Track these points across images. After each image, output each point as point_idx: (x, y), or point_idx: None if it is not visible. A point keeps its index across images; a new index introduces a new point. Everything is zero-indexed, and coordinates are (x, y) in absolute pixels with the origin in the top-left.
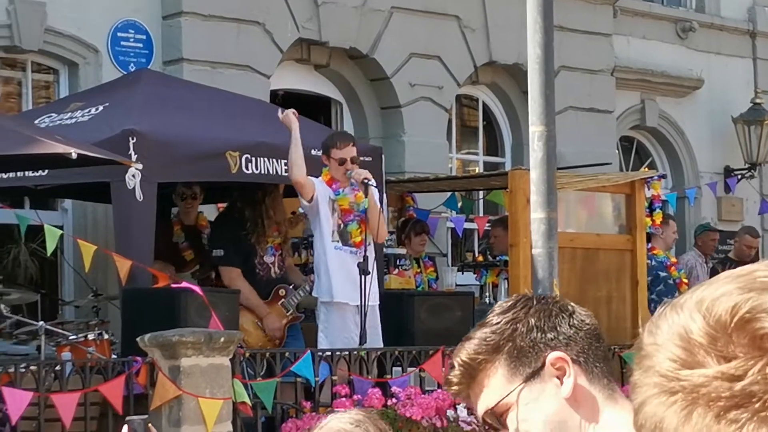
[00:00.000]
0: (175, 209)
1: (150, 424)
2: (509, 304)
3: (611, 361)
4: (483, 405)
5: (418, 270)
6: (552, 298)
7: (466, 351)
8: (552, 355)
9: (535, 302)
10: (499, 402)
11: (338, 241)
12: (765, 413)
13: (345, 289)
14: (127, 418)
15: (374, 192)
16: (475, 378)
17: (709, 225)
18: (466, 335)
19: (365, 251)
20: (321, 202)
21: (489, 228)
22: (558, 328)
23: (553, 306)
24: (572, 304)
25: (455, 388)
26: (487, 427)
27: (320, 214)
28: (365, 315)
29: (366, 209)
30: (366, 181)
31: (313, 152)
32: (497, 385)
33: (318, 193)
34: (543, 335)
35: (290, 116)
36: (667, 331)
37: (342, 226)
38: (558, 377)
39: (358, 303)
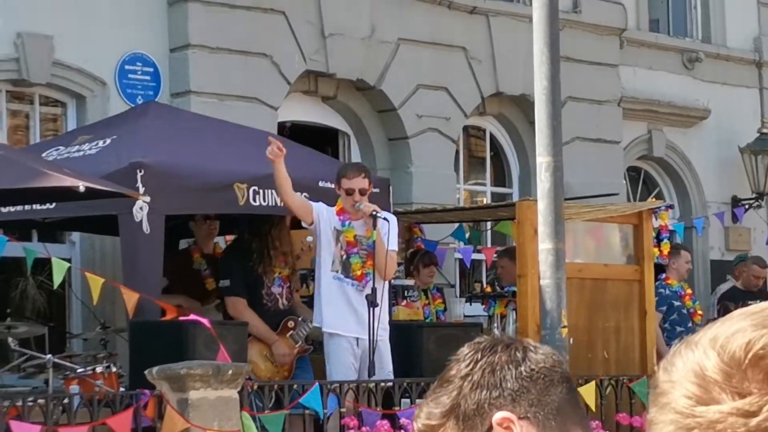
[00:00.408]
0: (190, 240)
1: None
2: (461, 355)
3: (577, 404)
4: None
5: (427, 302)
6: (504, 344)
7: (421, 418)
8: (497, 416)
9: (482, 354)
10: None
11: (338, 271)
12: None
13: (339, 320)
14: None
15: (381, 225)
16: None
17: (746, 256)
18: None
19: (374, 283)
20: (323, 229)
21: (496, 259)
22: (503, 384)
23: (501, 355)
24: (528, 345)
25: None
26: None
27: (321, 240)
28: (374, 349)
29: (370, 244)
30: (374, 213)
31: (321, 184)
32: None
33: (321, 218)
34: (488, 394)
35: (274, 150)
36: (682, 368)
37: (345, 257)
38: None
39: (357, 335)
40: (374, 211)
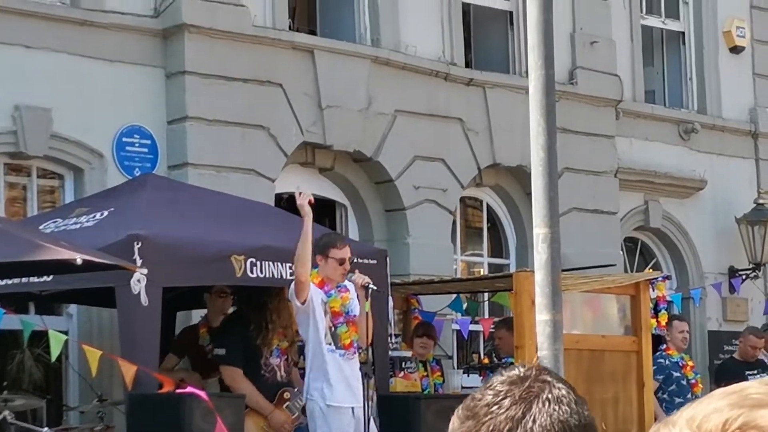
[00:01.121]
0: (202, 312)
1: None
2: (497, 390)
3: None
4: None
5: (425, 374)
6: (520, 394)
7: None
8: None
9: (511, 397)
10: None
11: (330, 344)
12: None
13: (340, 392)
14: None
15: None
16: None
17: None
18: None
19: (368, 353)
20: (316, 304)
21: (493, 330)
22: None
23: (510, 412)
24: (539, 396)
25: None
26: None
27: (316, 316)
28: (368, 419)
29: (350, 310)
30: (367, 285)
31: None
32: None
33: (313, 295)
34: None
35: (305, 206)
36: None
37: (333, 329)
38: None
39: (353, 405)
40: (366, 282)
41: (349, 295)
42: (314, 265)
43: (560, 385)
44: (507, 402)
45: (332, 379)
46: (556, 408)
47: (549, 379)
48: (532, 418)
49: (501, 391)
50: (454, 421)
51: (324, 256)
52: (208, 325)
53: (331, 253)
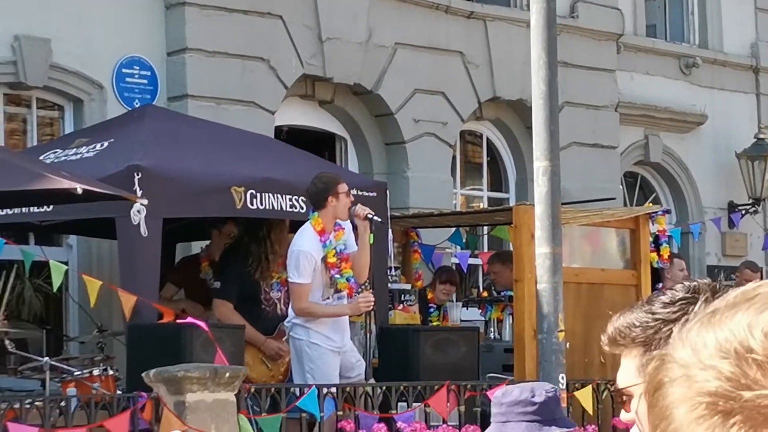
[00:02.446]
0: (200, 243)
1: None
2: (676, 298)
3: None
4: (618, 378)
5: (438, 320)
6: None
7: (614, 326)
8: None
9: (694, 305)
10: (624, 387)
11: (329, 298)
12: None
13: (327, 331)
14: None
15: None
16: (618, 348)
17: None
18: (636, 305)
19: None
20: (315, 274)
21: (488, 264)
22: None
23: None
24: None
25: (605, 348)
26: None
27: (312, 287)
28: (370, 350)
29: (343, 247)
30: (369, 216)
31: None
32: (628, 370)
33: (315, 268)
34: None
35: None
36: (711, 346)
37: (330, 281)
38: None
39: (339, 343)
40: (368, 213)
41: (344, 232)
42: (321, 207)
43: None
44: None
45: (326, 323)
46: None
47: None
48: None
49: None
50: None
51: (335, 195)
52: (210, 259)
53: (340, 189)
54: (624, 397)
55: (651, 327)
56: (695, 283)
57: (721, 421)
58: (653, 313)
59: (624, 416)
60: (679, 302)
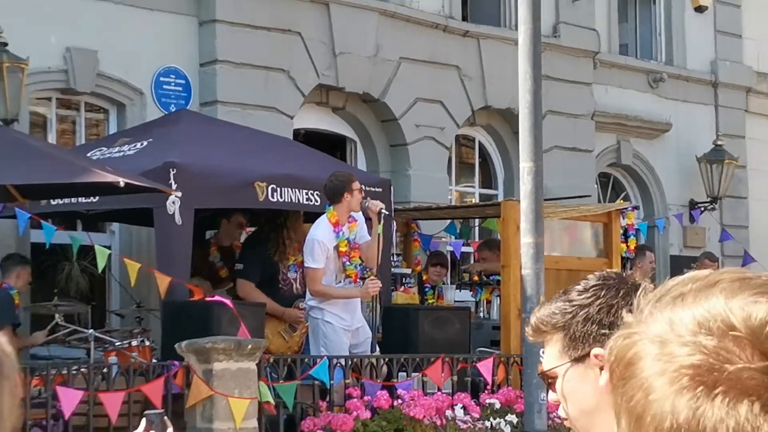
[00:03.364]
0: (212, 231)
1: (165, 417)
2: (590, 284)
3: None
4: (543, 363)
5: (433, 298)
6: (626, 290)
7: (537, 316)
8: (596, 350)
9: (607, 291)
10: (549, 369)
11: (340, 282)
12: None
13: (339, 312)
14: (145, 412)
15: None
16: (541, 336)
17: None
18: (554, 297)
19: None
20: (328, 261)
21: (478, 251)
22: (612, 328)
23: (620, 301)
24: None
25: (530, 338)
26: (544, 380)
27: (327, 273)
28: (374, 328)
29: (355, 237)
30: (380, 210)
31: None
32: (552, 354)
33: (328, 257)
34: (597, 329)
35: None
36: (688, 322)
37: (342, 267)
38: (600, 368)
39: (350, 323)
40: (380, 208)
41: (357, 224)
42: (337, 202)
43: None
44: None
45: (338, 305)
46: None
47: None
48: None
49: None
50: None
51: (350, 191)
52: (219, 244)
53: (354, 186)
54: (549, 380)
55: (569, 312)
56: (605, 272)
57: (704, 391)
58: (570, 301)
59: (551, 397)
60: (592, 288)
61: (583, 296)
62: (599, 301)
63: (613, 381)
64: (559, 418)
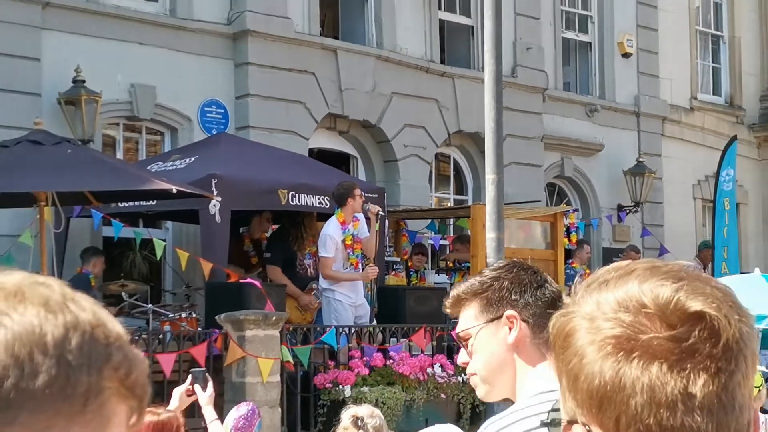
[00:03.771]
0: (244, 228)
1: (207, 374)
2: (501, 265)
3: None
4: (458, 327)
5: (416, 280)
6: (533, 271)
7: (458, 288)
8: (508, 312)
9: (516, 270)
10: (463, 330)
11: (347, 268)
12: (703, 364)
13: (346, 291)
14: (191, 370)
15: (381, 221)
16: (459, 307)
17: (708, 243)
18: (468, 277)
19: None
20: (337, 252)
21: (451, 244)
22: (522, 295)
23: (529, 277)
24: (547, 280)
25: (448, 310)
26: (458, 342)
27: (337, 261)
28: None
29: (358, 233)
30: (378, 212)
31: None
32: (468, 318)
33: (337, 249)
34: (509, 295)
35: (375, 215)
36: (612, 302)
37: (347, 256)
38: (509, 328)
39: (354, 300)
40: (378, 210)
41: (359, 222)
42: (343, 205)
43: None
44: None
45: (345, 286)
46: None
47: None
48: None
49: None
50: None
51: (353, 197)
52: (250, 237)
53: (356, 192)
54: (463, 341)
55: (486, 282)
56: (507, 260)
57: (624, 356)
58: (484, 275)
59: (462, 358)
60: (498, 270)
61: (495, 272)
62: (511, 275)
63: (555, 350)
64: None
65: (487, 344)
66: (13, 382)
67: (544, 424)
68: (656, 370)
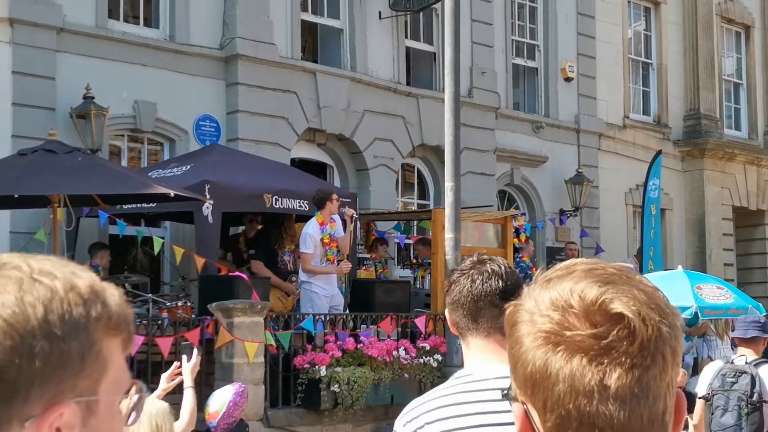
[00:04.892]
0: (241, 227)
1: (194, 346)
2: (468, 262)
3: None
4: None
5: (381, 270)
6: (475, 269)
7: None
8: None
9: (459, 273)
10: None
11: (324, 263)
12: (619, 360)
13: (321, 284)
14: (181, 343)
15: (355, 223)
16: None
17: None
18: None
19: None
20: (316, 249)
21: (414, 244)
22: (450, 295)
23: (466, 274)
24: (484, 273)
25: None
26: None
27: (315, 256)
28: (345, 296)
29: (334, 233)
30: (353, 215)
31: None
32: None
33: (316, 246)
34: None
35: (350, 217)
36: (546, 302)
37: (324, 252)
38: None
39: (328, 291)
40: (352, 213)
41: (336, 223)
42: (322, 208)
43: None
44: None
45: (320, 280)
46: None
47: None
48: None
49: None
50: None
51: (330, 200)
52: (245, 236)
53: (333, 197)
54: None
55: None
56: (474, 257)
57: (552, 348)
58: (457, 269)
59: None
60: (469, 265)
61: (465, 266)
62: (471, 271)
63: (506, 337)
64: None
65: None
66: (16, 370)
67: (504, 396)
68: (577, 362)
